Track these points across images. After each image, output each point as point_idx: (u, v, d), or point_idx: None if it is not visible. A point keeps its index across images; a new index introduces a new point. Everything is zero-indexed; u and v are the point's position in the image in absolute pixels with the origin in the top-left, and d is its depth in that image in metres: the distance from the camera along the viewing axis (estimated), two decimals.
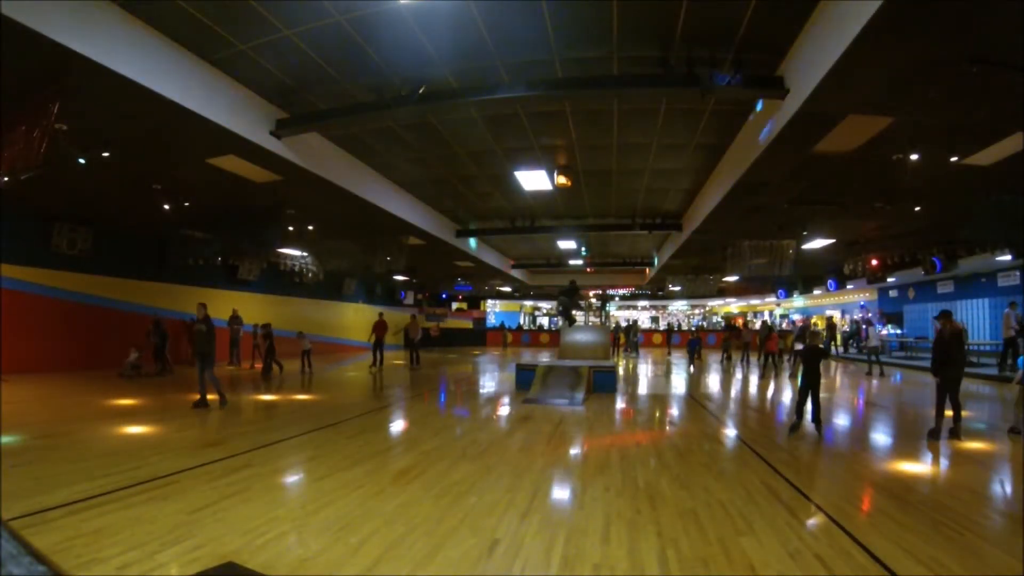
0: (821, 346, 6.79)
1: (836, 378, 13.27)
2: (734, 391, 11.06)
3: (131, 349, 11.29)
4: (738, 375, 14.11)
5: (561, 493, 4.11)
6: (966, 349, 6.03)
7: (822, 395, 6.26)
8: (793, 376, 12.96)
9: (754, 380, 12.90)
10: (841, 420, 7.42)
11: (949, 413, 5.99)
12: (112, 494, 3.77)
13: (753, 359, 16.39)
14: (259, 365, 13.61)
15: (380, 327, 14.70)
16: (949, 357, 6.06)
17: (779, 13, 5.09)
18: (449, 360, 18.88)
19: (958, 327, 6.42)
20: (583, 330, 16.46)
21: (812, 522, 3.47)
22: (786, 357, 15.17)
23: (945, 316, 6.36)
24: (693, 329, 28.09)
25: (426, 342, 24.60)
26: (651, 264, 20.45)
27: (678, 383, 12.27)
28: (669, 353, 22.95)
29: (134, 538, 3.02)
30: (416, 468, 4.66)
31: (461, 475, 4.45)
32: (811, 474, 4.76)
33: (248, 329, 15.17)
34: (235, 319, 14.86)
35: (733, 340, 17.75)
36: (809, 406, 6.20)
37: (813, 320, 24.04)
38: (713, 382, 12.62)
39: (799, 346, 11.44)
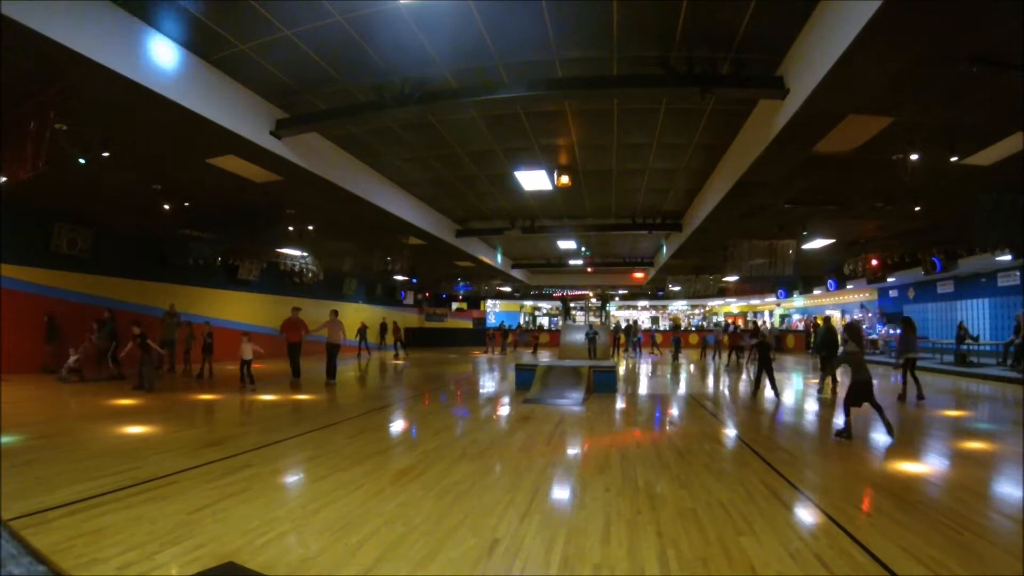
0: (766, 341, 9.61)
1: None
2: (728, 390, 11.04)
3: (70, 350, 10.35)
4: (725, 373, 14.53)
5: (561, 493, 4.11)
6: (838, 339, 9.31)
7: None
8: (749, 362, 15.75)
9: (739, 376, 13.23)
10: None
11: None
12: (112, 494, 3.77)
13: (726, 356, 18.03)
14: (195, 366, 11.63)
15: (290, 326, 10.74)
16: (826, 344, 9.66)
17: (779, 13, 5.09)
18: (425, 364, 18.78)
19: (832, 325, 10.15)
20: (583, 330, 16.43)
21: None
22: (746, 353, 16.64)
23: (824, 319, 9.85)
24: (678, 329, 29.25)
25: (414, 342, 24.31)
26: (651, 264, 20.50)
27: (676, 382, 12.26)
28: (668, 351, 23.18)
29: (134, 538, 3.02)
30: (416, 468, 4.66)
31: (461, 475, 4.45)
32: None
33: (187, 319, 12.46)
34: (171, 314, 11.91)
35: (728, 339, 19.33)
36: (768, 382, 8.97)
37: (816, 319, 24.13)
38: (709, 381, 12.62)
39: (753, 341, 12.09)
